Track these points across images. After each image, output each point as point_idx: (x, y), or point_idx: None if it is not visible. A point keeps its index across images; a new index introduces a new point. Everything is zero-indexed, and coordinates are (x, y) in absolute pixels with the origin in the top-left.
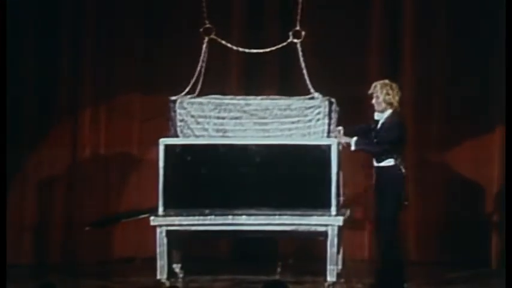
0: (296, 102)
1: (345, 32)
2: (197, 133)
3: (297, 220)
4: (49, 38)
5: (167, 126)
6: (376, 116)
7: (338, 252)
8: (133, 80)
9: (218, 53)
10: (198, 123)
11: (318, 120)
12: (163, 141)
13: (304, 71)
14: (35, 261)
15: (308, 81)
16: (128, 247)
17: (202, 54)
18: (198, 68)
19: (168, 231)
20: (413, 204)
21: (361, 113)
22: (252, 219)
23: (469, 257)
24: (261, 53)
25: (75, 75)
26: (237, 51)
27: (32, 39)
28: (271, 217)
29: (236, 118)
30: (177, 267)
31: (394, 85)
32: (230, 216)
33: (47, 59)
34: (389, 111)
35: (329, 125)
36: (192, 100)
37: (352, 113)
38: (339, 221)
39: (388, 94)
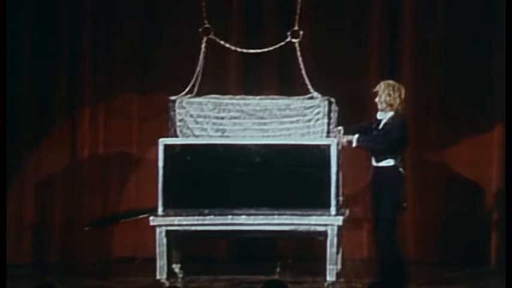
0: (295, 102)
1: (344, 31)
2: (196, 133)
3: (296, 220)
4: (48, 38)
5: (166, 126)
6: (379, 115)
7: (337, 252)
8: (132, 79)
9: (217, 53)
10: (197, 123)
11: (317, 120)
12: (162, 141)
13: (303, 71)
14: (35, 260)
15: (307, 81)
16: (128, 247)
17: (201, 54)
18: (197, 68)
19: (167, 231)
20: (412, 204)
21: (360, 112)
22: (251, 219)
23: (468, 256)
24: (259, 52)
25: (74, 75)
26: (236, 51)
27: (31, 39)
28: (271, 217)
29: (235, 118)
30: (176, 267)
31: (398, 87)
32: (229, 216)
33: (46, 59)
34: (391, 112)
35: (328, 124)
36: (191, 100)
37: (351, 113)
38: (339, 220)
39: (389, 95)
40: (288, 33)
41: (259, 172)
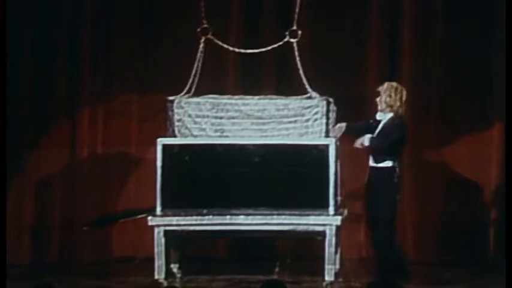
0: (293, 102)
1: (343, 31)
2: (195, 133)
3: (295, 220)
4: (48, 38)
5: (165, 126)
6: (378, 116)
7: (336, 252)
8: (131, 80)
9: (215, 53)
10: (195, 123)
11: (316, 120)
12: (161, 141)
13: (301, 71)
14: (34, 260)
15: (305, 81)
16: (126, 247)
17: (200, 54)
18: (196, 68)
19: (166, 231)
20: (411, 203)
21: (359, 112)
22: (250, 219)
23: (468, 256)
24: (258, 52)
25: (73, 75)
26: (234, 51)
27: (31, 39)
28: (269, 217)
29: (234, 118)
30: (175, 267)
31: (400, 89)
32: (228, 216)
33: (46, 59)
34: (390, 114)
35: (327, 124)
36: (190, 100)
37: (350, 113)
38: (337, 220)
39: (390, 96)
40: (286, 33)
41: (257, 172)
